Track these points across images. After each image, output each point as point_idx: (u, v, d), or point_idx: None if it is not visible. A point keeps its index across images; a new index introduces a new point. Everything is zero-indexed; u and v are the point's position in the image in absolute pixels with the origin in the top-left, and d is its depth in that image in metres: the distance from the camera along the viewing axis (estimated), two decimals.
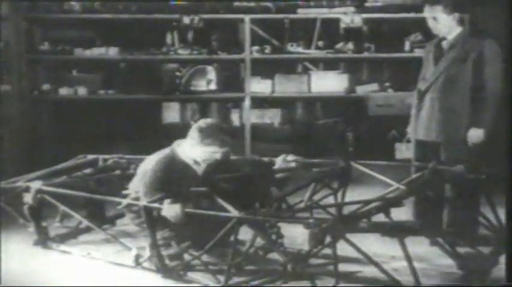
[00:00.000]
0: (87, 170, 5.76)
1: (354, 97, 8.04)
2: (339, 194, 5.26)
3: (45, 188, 5.22)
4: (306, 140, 8.17)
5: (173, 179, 4.86)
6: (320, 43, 8.00)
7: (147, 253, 4.76)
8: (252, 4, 7.96)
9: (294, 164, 5.28)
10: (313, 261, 4.60)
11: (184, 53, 7.96)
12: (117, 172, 5.75)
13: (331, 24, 7.92)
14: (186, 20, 7.80)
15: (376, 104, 7.88)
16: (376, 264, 4.25)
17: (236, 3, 7.95)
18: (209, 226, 4.61)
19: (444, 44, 5.36)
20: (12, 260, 4.95)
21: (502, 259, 4.55)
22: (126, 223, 5.43)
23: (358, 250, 4.21)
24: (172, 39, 8.11)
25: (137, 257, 4.82)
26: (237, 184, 5.03)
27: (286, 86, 8.05)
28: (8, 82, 7.44)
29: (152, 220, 4.67)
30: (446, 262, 4.74)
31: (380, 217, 4.41)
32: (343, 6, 7.93)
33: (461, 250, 4.73)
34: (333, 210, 5.01)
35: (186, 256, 4.79)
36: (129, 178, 5.31)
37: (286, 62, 8.32)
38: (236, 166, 5.25)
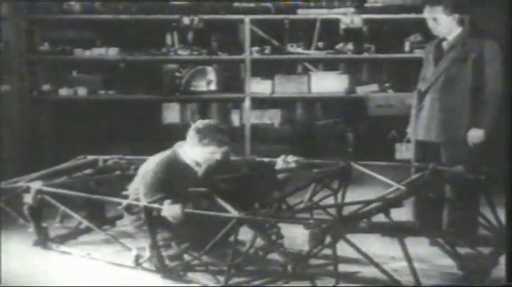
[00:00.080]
0: (87, 171, 5.76)
1: (353, 98, 8.04)
2: (339, 195, 5.26)
3: (45, 188, 5.22)
4: (306, 140, 8.17)
5: (174, 180, 4.87)
6: (320, 44, 8.00)
7: (147, 253, 4.76)
8: (252, 5, 7.95)
9: (294, 165, 5.27)
10: (314, 261, 4.60)
11: (184, 53, 7.96)
12: (117, 172, 5.75)
13: (331, 25, 7.91)
14: (186, 20, 7.80)
15: (376, 105, 7.88)
16: (376, 264, 4.25)
17: (236, 4, 7.95)
18: (209, 226, 4.61)
19: (444, 44, 5.36)
20: (12, 260, 4.94)
21: (502, 259, 4.55)
22: (126, 224, 5.42)
23: (358, 250, 4.21)
24: (172, 39, 8.11)
25: (137, 257, 4.82)
26: (236, 184, 5.03)
27: (286, 87, 8.06)
28: (8, 82, 7.45)
29: (152, 220, 4.67)
30: (447, 263, 4.74)
31: (380, 218, 4.41)
32: (343, 6, 7.93)
33: (461, 250, 4.73)
34: (332, 211, 5.00)
35: (186, 257, 4.79)
36: (129, 178, 5.31)
37: (286, 63, 8.32)
38: (236, 167, 5.26)
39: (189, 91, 8.05)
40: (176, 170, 4.93)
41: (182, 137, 5.05)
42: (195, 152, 4.94)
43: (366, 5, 7.95)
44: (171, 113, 8.37)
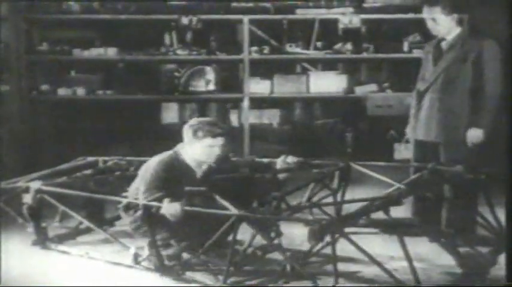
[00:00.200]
0: (87, 171, 5.76)
1: (352, 97, 8.04)
2: (339, 195, 5.26)
3: (44, 188, 5.22)
4: (304, 140, 8.17)
5: (173, 180, 4.86)
6: (319, 44, 8.00)
7: (145, 252, 4.76)
8: (251, 5, 7.96)
9: (293, 166, 5.27)
10: (313, 261, 4.61)
11: (183, 53, 7.96)
12: (117, 173, 5.74)
13: (329, 25, 7.92)
14: (185, 20, 7.80)
15: (375, 105, 7.88)
16: (378, 263, 4.25)
17: (235, 4, 7.95)
18: (208, 225, 4.62)
19: (443, 44, 5.36)
20: (12, 260, 4.94)
21: (502, 259, 4.56)
22: (125, 224, 5.42)
23: (359, 248, 4.20)
24: (170, 39, 8.11)
25: (136, 256, 4.81)
26: (235, 184, 5.03)
27: (284, 87, 8.06)
28: (7, 82, 7.45)
29: (151, 219, 4.67)
30: (447, 262, 4.74)
31: (379, 216, 4.41)
32: (341, 6, 7.94)
33: (460, 249, 4.73)
34: (332, 212, 5.01)
35: (185, 255, 4.79)
36: (129, 179, 5.30)
37: (284, 63, 8.33)
38: (235, 167, 5.26)
39: (187, 91, 8.06)
40: (177, 170, 4.93)
41: (181, 137, 5.05)
42: (194, 149, 4.93)
43: (365, 5, 7.95)
44: (170, 113, 8.38)
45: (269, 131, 8.35)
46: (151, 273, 4.72)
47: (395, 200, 4.49)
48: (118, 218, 5.57)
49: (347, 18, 7.81)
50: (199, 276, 4.62)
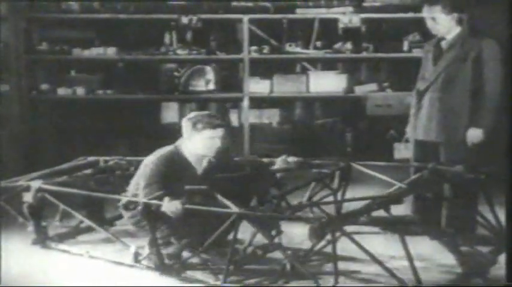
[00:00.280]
0: (88, 171, 5.76)
1: (352, 97, 8.04)
2: (339, 195, 5.26)
3: (45, 186, 5.22)
4: (304, 140, 8.17)
5: (173, 175, 4.85)
6: (318, 43, 8.01)
7: (146, 251, 4.76)
8: (251, 4, 7.96)
9: (293, 165, 5.28)
10: (314, 260, 4.61)
11: (182, 53, 7.97)
12: (118, 172, 5.74)
13: (329, 24, 7.92)
14: (185, 20, 7.80)
15: (375, 104, 7.89)
16: (378, 262, 4.25)
17: (234, 3, 7.95)
18: (208, 223, 4.62)
19: (443, 44, 5.36)
20: (12, 259, 4.94)
21: (502, 259, 4.56)
22: (126, 223, 5.42)
23: (359, 246, 4.20)
24: (170, 39, 8.11)
25: (136, 254, 4.82)
26: (235, 183, 5.03)
27: (284, 86, 8.06)
28: (7, 82, 7.45)
29: (151, 216, 4.67)
30: (447, 262, 4.75)
31: (380, 215, 4.42)
32: (341, 6, 7.94)
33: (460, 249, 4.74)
34: (332, 211, 5.01)
35: (185, 254, 4.79)
36: (129, 178, 5.30)
37: (284, 62, 8.33)
38: (236, 166, 5.26)
39: (187, 91, 8.06)
40: (177, 164, 4.92)
41: (181, 136, 5.04)
42: (194, 142, 4.91)
43: (365, 4, 7.96)
44: (170, 113, 8.37)
45: (269, 130, 8.34)
46: (152, 272, 4.72)
47: (396, 198, 4.49)
48: (118, 217, 5.58)
49: (347, 17, 7.82)
50: (199, 275, 4.62)
